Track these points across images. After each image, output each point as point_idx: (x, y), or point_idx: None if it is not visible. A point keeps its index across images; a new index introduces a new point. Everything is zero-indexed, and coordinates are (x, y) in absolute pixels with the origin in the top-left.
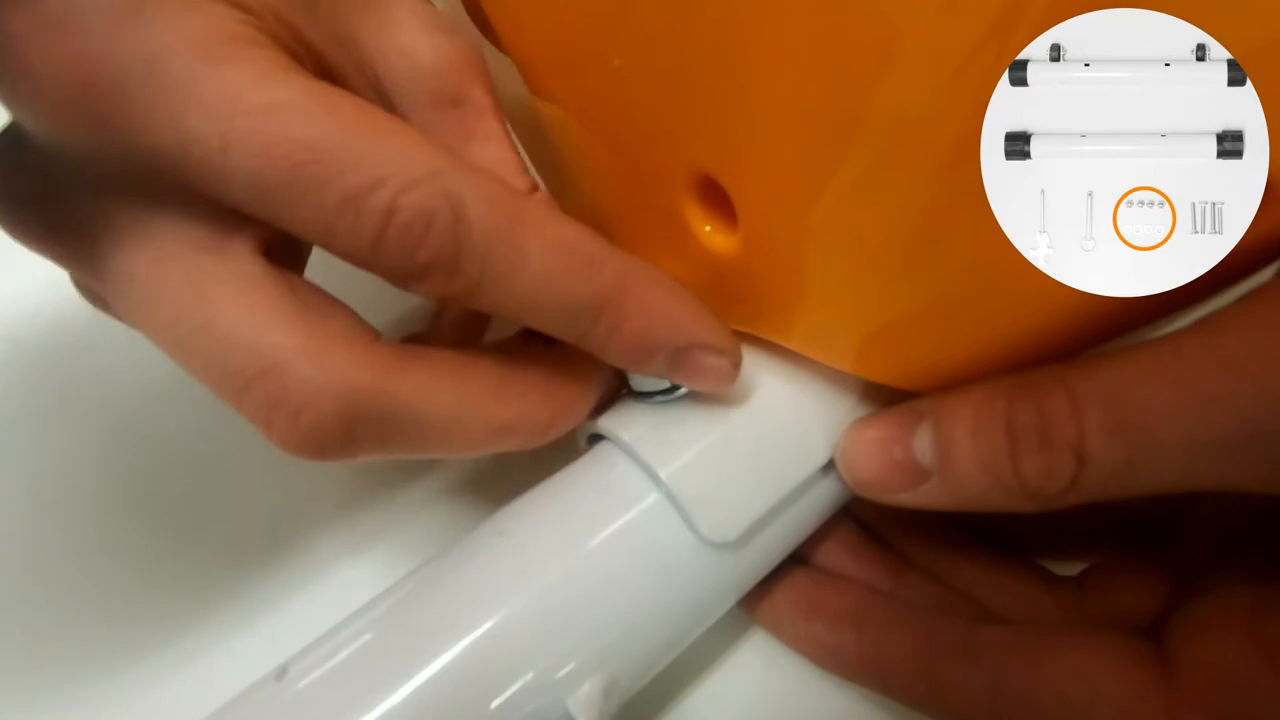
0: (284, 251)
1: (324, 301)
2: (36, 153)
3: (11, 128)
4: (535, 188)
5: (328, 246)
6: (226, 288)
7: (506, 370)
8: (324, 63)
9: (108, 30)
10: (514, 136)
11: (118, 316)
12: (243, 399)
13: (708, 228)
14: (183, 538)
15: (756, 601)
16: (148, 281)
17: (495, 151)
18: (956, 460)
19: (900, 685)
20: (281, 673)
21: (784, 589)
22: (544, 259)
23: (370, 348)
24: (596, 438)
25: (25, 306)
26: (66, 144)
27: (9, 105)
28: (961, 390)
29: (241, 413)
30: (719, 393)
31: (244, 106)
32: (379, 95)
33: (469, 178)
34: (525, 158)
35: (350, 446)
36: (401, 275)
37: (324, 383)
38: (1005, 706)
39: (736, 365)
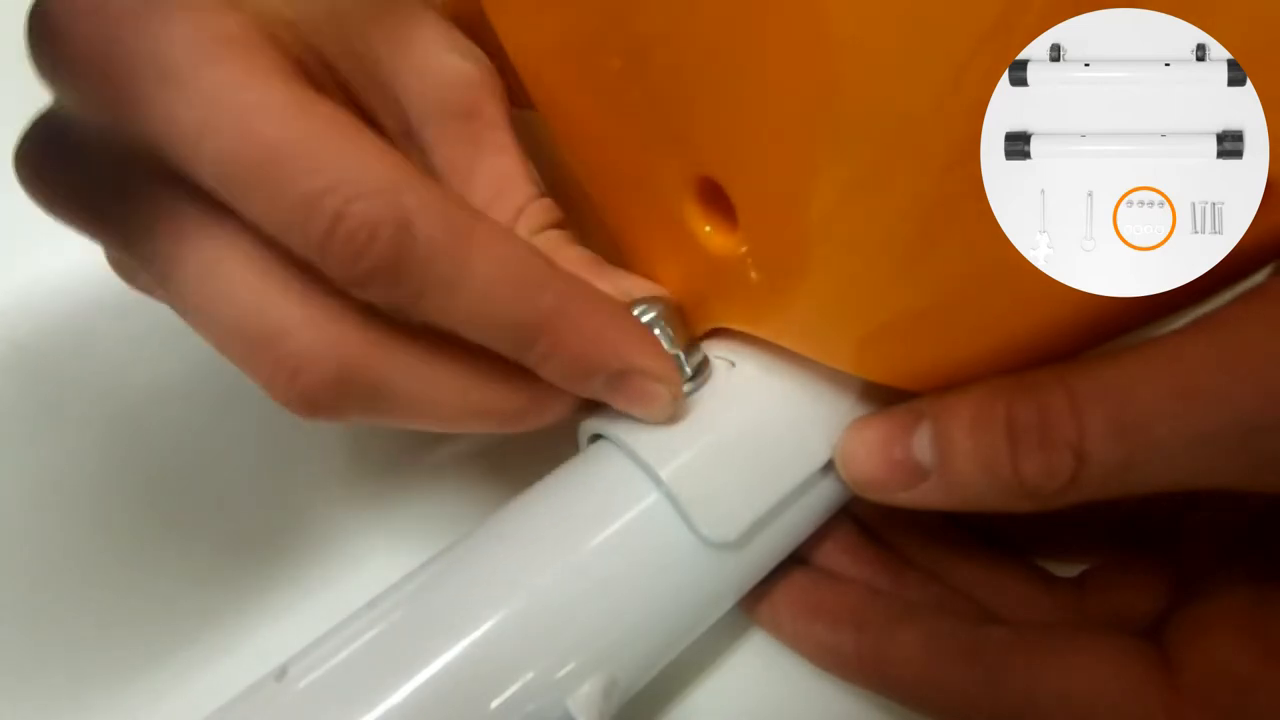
0: None
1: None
2: (74, 135)
3: (49, 113)
4: (540, 195)
5: (283, 242)
6: (237, 263)
7: (485, 356)
8: (341, 79)
9: (129, 20)
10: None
11: (147, 291)
12: (249, 359)
13: (708, 228)
14: (182, 539)
15: (756, 602)
16: (170, 255)
17: (504, 163)
18: (956, 460)
19: (900, 686)
20: (281, 673)
21: (784, 589)
22: (487, 277)
23: (365, 322)
24: (597, 437)
25: (25, 307)
26: (94, 125)
27: (55, 87)
28: (961, 390)
29: (247, 372)
30: (656, 420)
31: (226, 102)
32: (396, 110)
33: (423, 194)
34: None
35: (340, 407)
36: (346, 280)
37: (322, 349)
38: (1005, 707)
39: (675, 395)
